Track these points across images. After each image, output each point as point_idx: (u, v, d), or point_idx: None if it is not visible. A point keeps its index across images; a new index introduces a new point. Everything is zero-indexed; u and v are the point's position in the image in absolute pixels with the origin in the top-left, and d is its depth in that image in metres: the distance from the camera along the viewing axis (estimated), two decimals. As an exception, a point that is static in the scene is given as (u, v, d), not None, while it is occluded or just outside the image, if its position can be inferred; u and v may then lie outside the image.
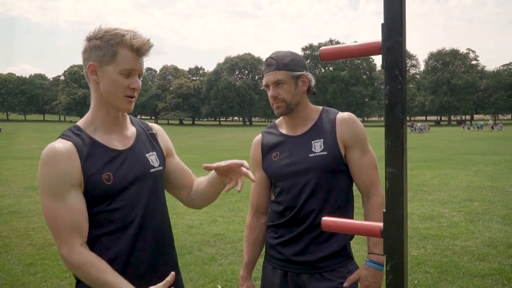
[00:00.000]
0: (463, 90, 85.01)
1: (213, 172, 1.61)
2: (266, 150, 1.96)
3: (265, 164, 1.96)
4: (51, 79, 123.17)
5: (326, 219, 0.87)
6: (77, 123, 1.50)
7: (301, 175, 1.84)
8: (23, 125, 74.67)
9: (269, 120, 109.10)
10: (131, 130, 1.58)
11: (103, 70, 1.42)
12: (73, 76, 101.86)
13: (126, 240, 1.45)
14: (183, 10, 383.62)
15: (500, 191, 9.05)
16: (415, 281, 4.21)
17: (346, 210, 1.87)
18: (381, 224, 0.74)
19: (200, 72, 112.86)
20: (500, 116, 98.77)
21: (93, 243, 1.42)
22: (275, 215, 1.94)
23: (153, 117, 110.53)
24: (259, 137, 2.04)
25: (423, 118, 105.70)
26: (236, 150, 23.69)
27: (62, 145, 1.40)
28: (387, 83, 0.68)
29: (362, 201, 1.90)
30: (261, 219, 2.03)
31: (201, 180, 1.71)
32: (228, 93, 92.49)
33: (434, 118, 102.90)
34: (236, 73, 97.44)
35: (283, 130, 1.96)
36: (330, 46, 0.78)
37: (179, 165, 1.73)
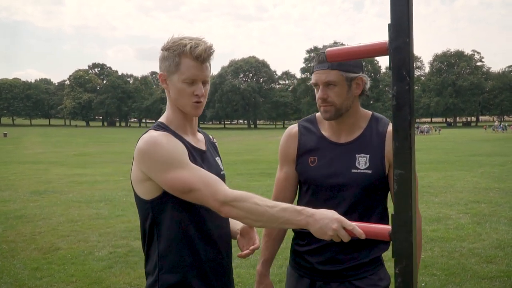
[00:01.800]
0: (469, 91, 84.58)
1: (238, 228, 1.68)
2: (303, 151, 1.79)
3: (300, 167, 1.79)
4: (56, 84, 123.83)
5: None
6: (161, 121, 1.57)
7: (339, 190, 1.70)
8: (29, 130, 75.00)
9: (274, 123, 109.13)
10: (199, 135, 1.68)
11: (170, 79, 1.50)
12: (78, 80, 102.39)
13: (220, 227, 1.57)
14: (187, 14, 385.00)
15: (507, 192, 8.98)
16: (423, 284, 4.18)
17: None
18: (389, 227, 0.73)
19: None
20: (506, 117, 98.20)
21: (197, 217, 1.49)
22: None
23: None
24: (295, 130, 1.84)
25: (429, 119, 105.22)
26: (242, 153, 23.68)
27: (161, 133, 1.46)
28: (394, 84, 0.67)
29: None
30: None
31: None
32: (232, 96, 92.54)
33: (439, 119, 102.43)
34: (241, 76, 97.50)
35: (325, 132, 1.78)
36: (336, 47, 0.77)
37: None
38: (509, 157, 16.96)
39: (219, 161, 1.70)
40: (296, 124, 1.87)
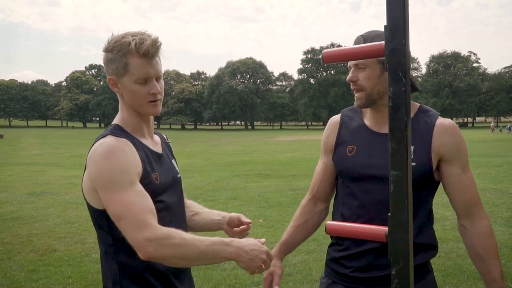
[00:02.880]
0: (465, 92, 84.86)
1: (218, 218, 1.68)
2: (342, 140, 1.68)
3: (337, 156, 1.68)
4: (53, 85, 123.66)
5: (330, 223, 0.86)
6: (117, 123, 1.47)
7: (379, 183, 1.55)
8: (26, 131, 74.83)
9: (271, 124, 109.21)
10: (156, 136, 1.62)
11: (121, 82, 1.41)
12: (75, 81, 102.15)
13: None
14: (184, 15, 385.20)
15: (504, 193, 9.01)
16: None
17: (427, 229, 1.61)
18: (385, 228, 0.73)
19: (202, 76, 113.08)
20: (502, 119, 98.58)
21: None
22: (339, 221, 1.67)
23: (155, 122, 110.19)
24: (337, 119, 1.74)
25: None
26: (239, 154, 23.67)
27: (119, 139, 1.37)
28: (390, 85, 0.67)
29: (461, 224, 1.62)
30: (318, 205, 1.81)
31: (199, 211, 1.75)
32: (230, 98, 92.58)
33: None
34: (238, 77, 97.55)
35: (367, 121, 1.65)
36: (332, 49, 0.77)
37: None
38: (506, 158, 17.03)
39: (174, 163, 1.62)
40: (340, 114, 1.77)
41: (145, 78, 1.39)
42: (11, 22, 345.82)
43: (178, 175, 1.60)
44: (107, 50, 1.40)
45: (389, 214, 0.70)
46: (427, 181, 1.57)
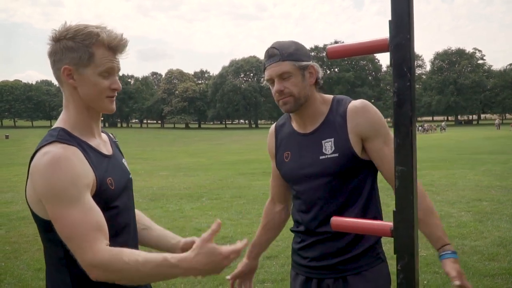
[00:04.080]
0: (470, 89, 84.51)
1: (173, 242, 1.56)
2: (279, 147, 1.83)
3: (278, 163, 1.84)
4: (57, 85, 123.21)
5: (335, 218, 0.86)
6: (62, 126, 1.36)
7: (313, 179, 1.69)
8: (31, 132, 75.07)
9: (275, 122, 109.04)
10: (104, 135, 1.52)
11: (80, 73, 1.32)
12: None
13: (125, 242, 1.41)
14: (186, 14, 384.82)
15: (509, 190, 8.97)
16: (425, 282, 4.18)
17: (370, 210, 1.71)
18: (391, 223, 0.73)
19: (205, 75, 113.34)
20: (508, 115, 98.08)
21: None
22: (295, 219, 1.84)
23: (159, 121, 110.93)
24: (272, 128, 1.90)
25: (430, 118, 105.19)
26: (243, 153, 23.69)
27: (66, 148, 1.27)
28: (395, 81, 0.67)
29: None
30: (277, 206, 1.96)
31: (150, 226, 1.63)
32: (233, 96, 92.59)
33: (440, 118, 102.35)
34: (242, 76, 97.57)
35: (295, 126, 1.80)
36: (337, 44, 0.78)
37: None
38: (511, 155, 16.94)
39: (125, 163, 1.55)
40: (274, 123, 1.92)
41: (110, 71, 1.34)
42: (14, 22, 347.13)
43: (130, 176, 1.54)
44: (64, 37, 1.30)
45: (394, 209, 0.70)
46: (355, 164, 1.66)
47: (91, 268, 1.20)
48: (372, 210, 1.71)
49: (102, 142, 1.46)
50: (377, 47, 0.72)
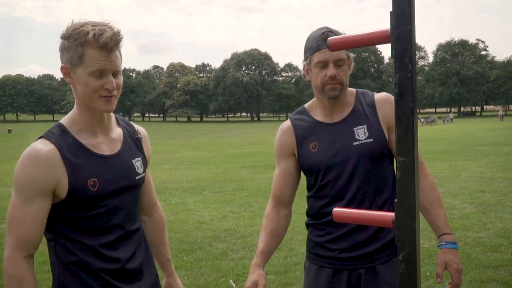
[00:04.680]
0: (473, 81, 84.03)
1: (165, 272, 1.74)
2: (302, 140, 1.80)
3: (303, 156, 1.80)
4: (59, 79, 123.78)
5: (337, 210, 0.87)
6: (62, 122, 1.41)
7: (347, 165, 1.71)
8: (33, 126, 75.23)
9: (277, 115, 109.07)
10: (118, 132, 1.50)
11: (74, 72, 1.33)
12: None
13: (112, 244, 1.43)
14: (187, 7, 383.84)
15: (512, 181, 8.97)
16: (427, 273, 4.19)
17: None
18: (392, 214, 0.74)
19: (207, 68, 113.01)
20: (511, 106, 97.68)
21: (73, 244, 1.40)
22: (317, 211, 1.81)
23: (161, 115, 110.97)
24: (289, 124, 1.86)
25: (433, 110, 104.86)
26: (245, 146, 23.70)
27: (43, 147, 1.32)
28: (396, 72, 0.67)
29: None
30: (282, 211, 1.89)
31: (154, 242, 1.71)
32: (235, 89, 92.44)
33: (443, 109, 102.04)
34: (243, 69, 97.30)
35: (318, 117, 1.80)
36: (338, 36, 0.78)
37: (148, 180, 1.66)
38: (514, 146, 16.89)
39: (137, 163, 1.50)
40: (288, 119, 1.90)
41: (101, 71, 1.31)
42: (15, 16, 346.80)
43: (137, 177, 1.49)
44: (64, 37, 1.32)
45: (396, 200, 0.71)
46: (385, 151, 1.74)
47: (4, 261, 1.33)
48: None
49: (106, 141, 1.44)
50: (378, 38, 0.72)
